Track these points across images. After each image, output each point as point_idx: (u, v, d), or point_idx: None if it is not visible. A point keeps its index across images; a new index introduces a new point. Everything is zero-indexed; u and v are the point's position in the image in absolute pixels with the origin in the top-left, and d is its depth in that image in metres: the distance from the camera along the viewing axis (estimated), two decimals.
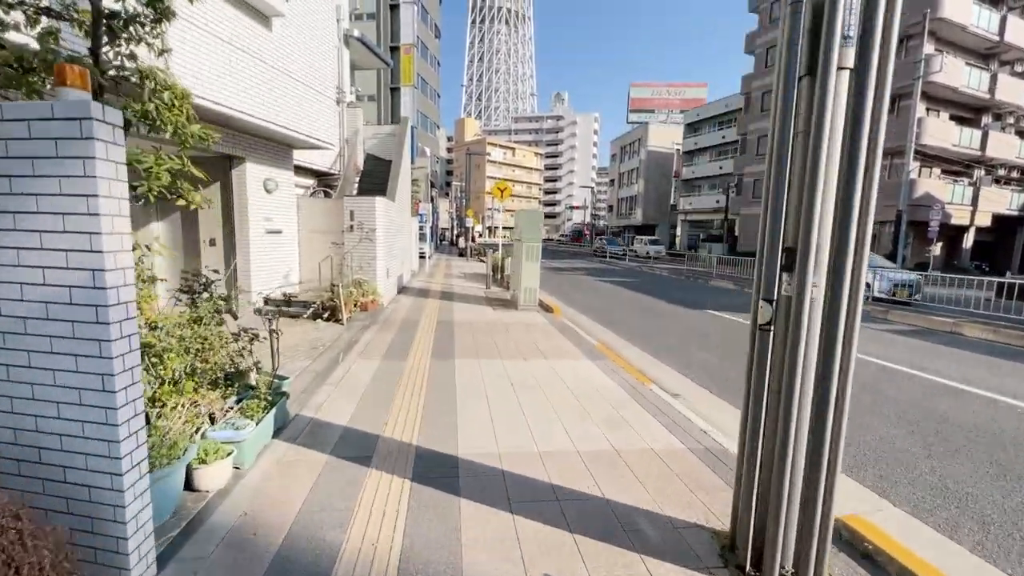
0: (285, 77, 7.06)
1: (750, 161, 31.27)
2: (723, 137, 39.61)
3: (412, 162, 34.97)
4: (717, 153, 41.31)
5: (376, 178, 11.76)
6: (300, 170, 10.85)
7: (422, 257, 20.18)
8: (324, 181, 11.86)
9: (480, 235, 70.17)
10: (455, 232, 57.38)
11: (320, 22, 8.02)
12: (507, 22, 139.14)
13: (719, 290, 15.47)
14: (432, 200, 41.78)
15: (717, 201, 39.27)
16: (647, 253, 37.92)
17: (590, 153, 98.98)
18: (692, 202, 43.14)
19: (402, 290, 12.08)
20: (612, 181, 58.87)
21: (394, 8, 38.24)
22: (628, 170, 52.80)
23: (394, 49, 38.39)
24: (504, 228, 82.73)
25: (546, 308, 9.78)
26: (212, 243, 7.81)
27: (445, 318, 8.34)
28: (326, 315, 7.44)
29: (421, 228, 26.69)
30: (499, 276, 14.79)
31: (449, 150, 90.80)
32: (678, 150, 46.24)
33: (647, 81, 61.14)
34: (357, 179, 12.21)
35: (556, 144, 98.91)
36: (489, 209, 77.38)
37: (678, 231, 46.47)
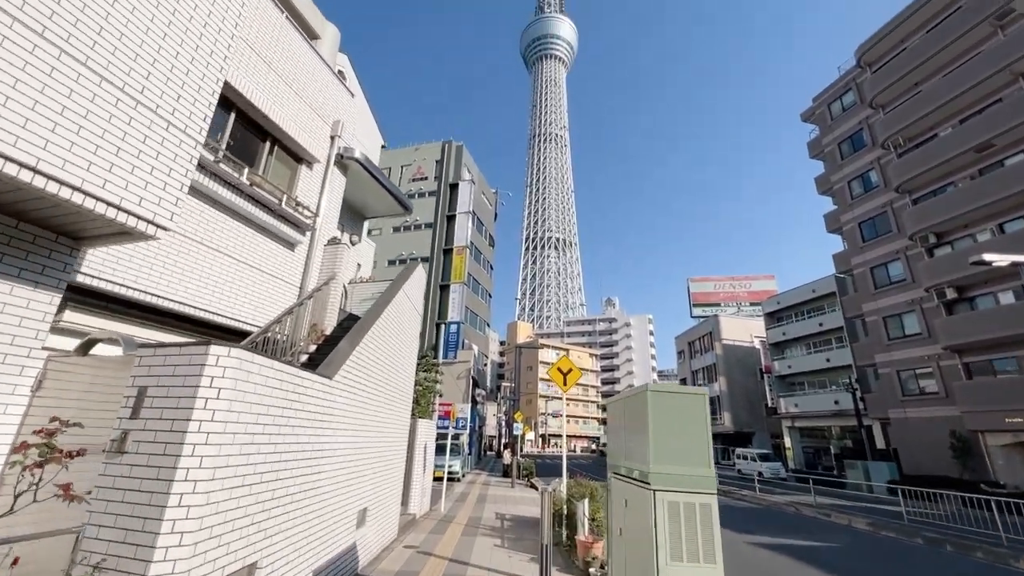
0: None
1: (879, 348, 24.11)
2: (820, 325, 33.36)
3: (451, 355, 30.85)
4: (816, 343, 34.43)
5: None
6: (208, 328, 5.88)
7: (440, 480, 13.27)
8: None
9: (531, 443, 60.77)
10: (502, 441, 49.24)
11: None
12: (556, 247, 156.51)
13: None
14: (476, 403, 36.06)
15: (836, 402, 30.49)
16: (759, 473, 27.89)
17: (648, 354, 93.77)
18: (797, 403, 34.25)
19: None
20: (683, 381, 51.37)
21: (451, 219, 40.53)
22: (702, 367, 45.87)
23: (447, 251, 39.20)
24: (572, 437, 72.68)
25: None
26: None
27: None
28: None
29: (457, 437, 20.37)
30: (565, 537, 7.64)
31: (501, 353, 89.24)
32: (763, 343, 39.82)
33: (706, 276, 59.43)
34: (313, 348, 7.00)
35: (611, 346, 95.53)
36: (543, 414, 69.69)
37: (786, 441, 36.09)
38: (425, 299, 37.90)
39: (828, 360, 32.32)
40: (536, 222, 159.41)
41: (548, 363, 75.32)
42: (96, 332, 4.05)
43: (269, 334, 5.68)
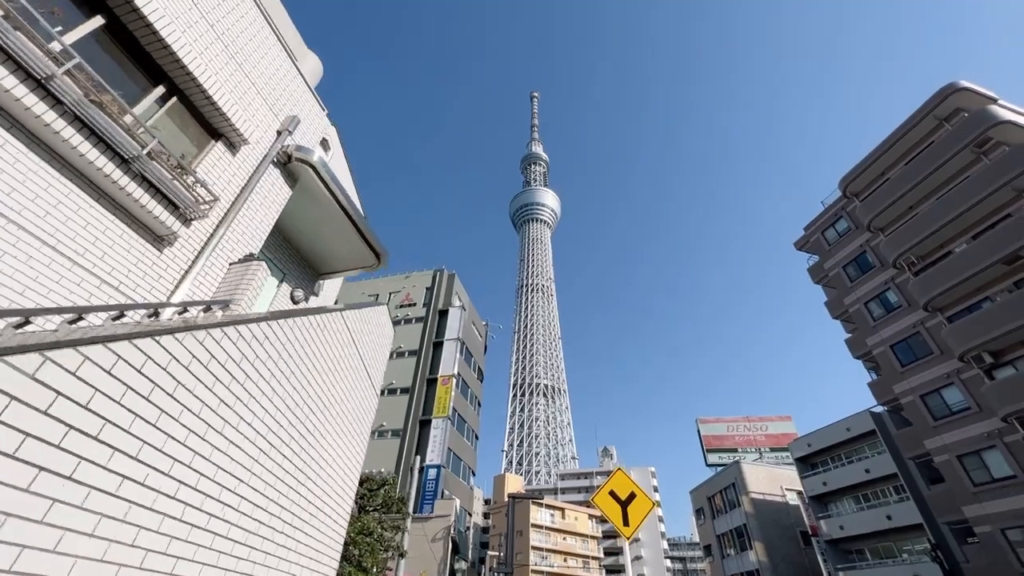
0: None
1: (966, 499, 19.27)
2: (867, 472, 28.21)
3: (427, 509, 24.49)
4: (867, 495, 28.76)
5: None
6: None
7: None
8: None
9: None
10: None
11: None
12: (545, 395, 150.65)
13: None
14: None
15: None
16: None
17: (656, 516, 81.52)
18: None
19: None
20: (707, 549, 42.32)
21: (438, 346, 37.32)
22: (729, 530, 38.05)
23: (431, 382, 34.97)
24: None
25: None
26: None
27: None
28: None
29: None
30: None
31: (486, 515, 76.57)
32: (800, 496, 33.62)
33: (717, 416, 54.11)
34: None
35: None
36: None
37: None
38: (401, 436, 32.30)
39: (889, 518, 26.42)
40: (524, 368, 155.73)
41: (540, 526, 63.56)
42: None
43: None
